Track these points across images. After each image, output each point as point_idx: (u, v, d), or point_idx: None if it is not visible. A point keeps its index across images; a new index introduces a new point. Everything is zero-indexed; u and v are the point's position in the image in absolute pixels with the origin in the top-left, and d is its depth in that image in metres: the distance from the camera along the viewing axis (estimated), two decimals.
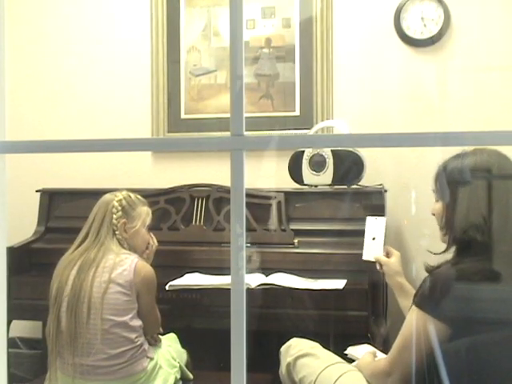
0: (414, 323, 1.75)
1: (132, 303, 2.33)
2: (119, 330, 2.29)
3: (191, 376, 2.58)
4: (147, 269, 2.39)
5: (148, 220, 2.54)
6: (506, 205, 1.78)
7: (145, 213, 2.52)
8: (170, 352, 2.50)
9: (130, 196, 2.49)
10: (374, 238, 2.39)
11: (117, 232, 2.42)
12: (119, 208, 2.43)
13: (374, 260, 2.33)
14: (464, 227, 1.79)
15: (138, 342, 2.33)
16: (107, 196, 2.49)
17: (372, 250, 2.37)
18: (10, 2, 3.66)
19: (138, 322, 2.35)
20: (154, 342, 2.45)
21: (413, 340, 1.75)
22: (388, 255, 2.30)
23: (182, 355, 2.59)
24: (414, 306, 1.79)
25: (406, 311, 1.97)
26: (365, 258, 2.39)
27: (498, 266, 1.75)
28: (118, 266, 2.33)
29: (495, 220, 1.76)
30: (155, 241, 2.63)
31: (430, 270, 1.84)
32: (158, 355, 2.43)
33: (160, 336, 2.52)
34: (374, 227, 2.42)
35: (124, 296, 2.31)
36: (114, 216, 2.42)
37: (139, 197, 2.54)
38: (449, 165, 1.85)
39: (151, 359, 2.38)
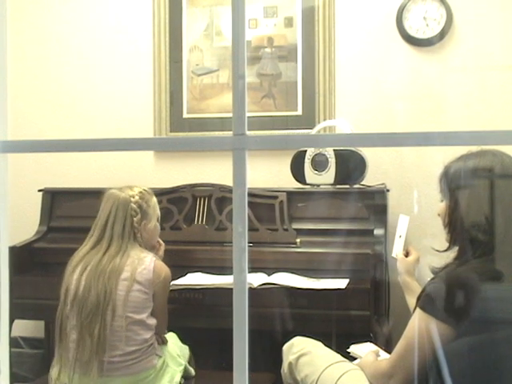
0: (418, 325, 1.75)
1: (149, 301, 2.37)
2: (136, 327, 2.32)
3: (193, 372, 2.59)
4: (165, 269, 2.43)
5: (159, 211, 2.55)
6: (510, 205, 1.78)
7: (156, 205, 2.54)
8: (175, 350, 2.52)
9: (141, 192, 2.46)
10: (400, 236, 2.46)
11: (138, 235, 2.41)
12: (138, 210, 2.41)
13: (394, 257, 2.39)
14: (467, 227, 1.79)
15: (151, 341, 2.37)
16: (121, 195, 2.42)
17: (397, 247, 2.44)
18: (11, 3, 3.67)
19: (152, 321, 2.38)
20: (161, 342, 2.47)
21: (415, 342, 1.75)
22: (407, 254, 2.34)
23: (184, 352, 2.61)
24: (417, 309, 1.79)
25: (412, 308, 1.98)
26: (392, 254, 2.47)
27: (502, 266, 1.75)
28: (139, 264, 2.35)
29: (498, 220, 1.76)
30: (161, 241, 2.66)
31: (436, 272, 1.85)
32: (166, 353, 2.45)
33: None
34: (402, 225, 2.49)
35: (143, 294, 2.34)
36: (135, 219, 2.40)
37: (147, 189, 2.52)
38: (453, 166, 1.86)
39: (160, 357, 2.41)
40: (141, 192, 2.46)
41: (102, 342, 2.27)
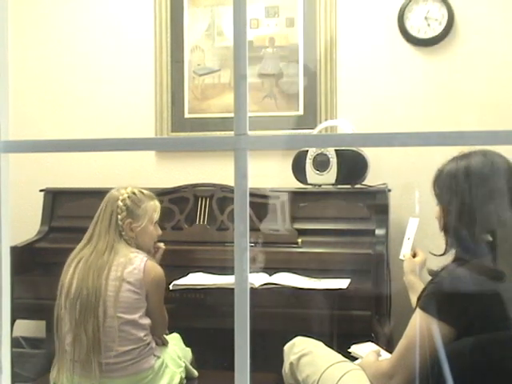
0: (418, 326, 1.75)
1: (141, 302, 2.35)
2: (128, 327, 2.31)
3: (196, 373, 2.58)
4: (156, 269, 2.42)
5: (156, 215, 2.53)
6: (502, 204, 1.78)
7: (151, 209, 2.51)
8: (176, 351, 2.51)
9: (134, 193, 2.47)
10: (408, 238, 2.45)
11: (123, 233, 2.42)
12: (123, 208, 2.43)
13: (402, 258, 2.38)
14: (461, 229, 1.79)
15: (147, 341, 2.36)
16: (113, 193, 2.47)
17: (404, 249, 2.44)
18: (13, 3, 3.67)
19: (146, 321, 2.37)
20: (161, 344, 2.46)
21: (416, 342, 1.75)
22: (414, 255, 2.33)
23: (186, 354, 2.60)
24: (418, 309, 1.79)
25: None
26: (400, 256, 2.45)
27: (500, 266, 1.75)
28: (129, 264, 2.35)
29: (493, 220, 1.76)
30: (162, 245, 2.66)
31: (433, 274, 1.84)
32: (165, 354, 2.44)
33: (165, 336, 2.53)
34: (411, 228, 2.48)
35: (134, 294, 2.33)
36: (119, 217, 2.42)
37: (145, 192, 2.52)
38: (445, 168, 1.85)
39: (158, 357, 2.39)
40: (133, 192, 2.47)
41: (96, 340, 2.27)
